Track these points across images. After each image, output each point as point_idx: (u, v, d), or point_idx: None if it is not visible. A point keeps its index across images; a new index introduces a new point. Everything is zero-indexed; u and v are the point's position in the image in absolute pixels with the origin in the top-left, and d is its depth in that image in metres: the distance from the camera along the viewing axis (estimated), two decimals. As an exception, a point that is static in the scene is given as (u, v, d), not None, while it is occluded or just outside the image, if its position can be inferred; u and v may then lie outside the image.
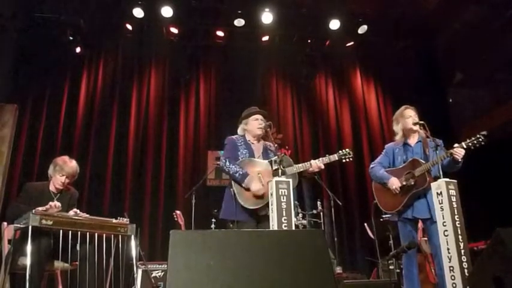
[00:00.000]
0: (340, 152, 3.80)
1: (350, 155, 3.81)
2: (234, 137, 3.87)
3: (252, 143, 3.81)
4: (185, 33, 7.62)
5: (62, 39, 7.09)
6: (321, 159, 3.67)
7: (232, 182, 3.61)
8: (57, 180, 3.70)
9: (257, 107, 4.01)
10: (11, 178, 6.15)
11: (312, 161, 3.65)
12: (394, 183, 3.63)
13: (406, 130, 3.78)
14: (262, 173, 3.57)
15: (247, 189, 3.52)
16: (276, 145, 3.85)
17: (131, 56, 7.68)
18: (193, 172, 7.16)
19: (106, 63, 7.58)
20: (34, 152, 6.65)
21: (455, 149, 3.38)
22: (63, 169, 3.70)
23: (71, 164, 3.76)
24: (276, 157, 3.42)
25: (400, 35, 7.91)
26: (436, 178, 3.35)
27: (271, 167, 3.55)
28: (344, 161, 3.82)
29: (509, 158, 5.93)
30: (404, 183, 3.60)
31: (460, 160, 3.41)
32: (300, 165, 3.64)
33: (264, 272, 1.73)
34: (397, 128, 3.86)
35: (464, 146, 3.39)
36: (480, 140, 3.35)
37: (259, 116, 3.84)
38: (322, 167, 3.67)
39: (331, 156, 3.73)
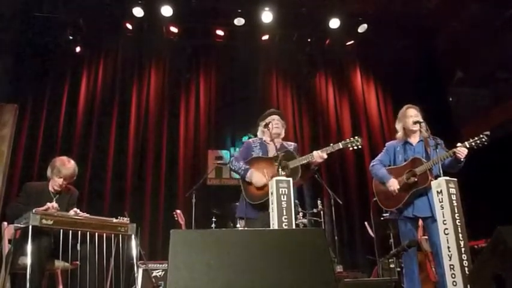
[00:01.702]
0: (347, 140, 3.67)
1: (358, 142, 3.64)
2: (251, 139, 3.97)
3: (268, 143, 3.85)
4: (185, 32, 7.63)
5: (61, 38, 7.09)
6: (324, 149, 3.59)
7: (240, 181, 3.71)
8: (55, 182, 3.69)
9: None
10: (11, 178, 6.16)
11: (314, 152, 3.57)
12: (393, 185, 3.65)
13: (406, 129, 3.82)
14: (267, 169, 3.61)
15: (250, 183, 3.60)
16: (295, 144, 3.90)
17: (131, 56, 7.68)
18: (194, 171, 7.16)
19: (106, 63, 7.58)
20: (34, 151, 6.65)
21: (458, 148, 3.40)
22: (61, 171, 3.67)
23: (69, 166, 3.73)
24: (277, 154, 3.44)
25: (400, 34, 7.90)
26: (436, 177, 3.35)
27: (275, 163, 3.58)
28: (351, 148, 3.66)
29: (510, 156, 5.92)
30: (405, 181, 3.61)
31: (462, 160, 3.42)
32: (302, 157, 3.60)
33: (264, 271, 1.73)
34: (398, 126, 3.90)
35: (467, 146, 3.40)
36: (483, 140, 3.37)
37: (275, 117, 3.90)
38: (325, 156, 3.57)
39: (335, 145, 3.62)
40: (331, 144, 3.63)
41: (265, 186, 3.51)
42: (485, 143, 3.37)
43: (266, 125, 3.73)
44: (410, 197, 3.59)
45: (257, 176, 3.59)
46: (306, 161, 3.58)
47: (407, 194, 3.59)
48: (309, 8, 7.31)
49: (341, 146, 3.62)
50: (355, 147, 3.65)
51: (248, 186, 3.64)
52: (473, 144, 3.40)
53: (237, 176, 3.94)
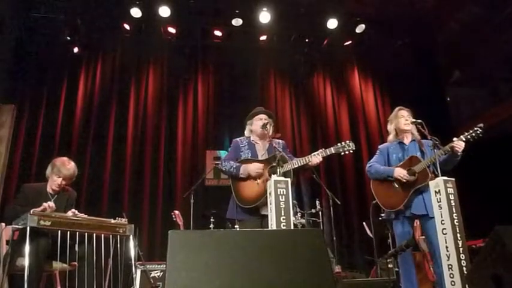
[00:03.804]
0: (338, 144, 3.64)
1: (350, 146, 3.61)
2: (238, 139, 3.90)
3: (257, 143, 3.81)
4: (183, 33, 7.62)
5: (59, 39, 7.08)
6: (317, 153, 3.57)
7: (231, 184, 3.65)
8: (54, 181, 3.69)
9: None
10: (8, 178, 6.15)
11: (313, 157, 3.54)
12: (400, 171, 3.62)
13: (398, 130, 3.85)
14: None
15: (242, 185, 3.55)
16: (282, 141, 3.86)
17: (129, 56, 7.66)
18: (192, 172, 7.15)
19: (104, 63, 7.57)
20: (32, 152, 6.63)
21: (455, 142, 3.43)
22: (61, 171, 3.67)
23: (69, 166, 3.73)
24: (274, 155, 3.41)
25: (398, 34, 7.92)
26: (435, 175, 3.36)
27: (269, 163, 3.57)
28: (343, 153, 3.64)
29: (508, 155, 5.94)
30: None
31: (459, 153, 3.45)
32: (294, 161, 3.54)
33: (263, 271, 1.72)
34: (390, 127, 3.94)
35: (464, 139, 3.45)
36: (478, 132, 3.43)
37: (263, 116, 3.83)
38: (321, 159, 3.57)
39: (327, 149, 3.60)
40: (323, 149, 3.61)
41: (257, 190, 3.51)
42: (480, 135, 3.43)
43: (264, 126, 3.69)
44: (412, 196, 3.58)
45: (252, 166, 3.55)
46: (298, 165, 3.53)
47: (408, 192, 3.58)
48: (307, 8, 7.32)
49: (333, 151, 3.59)
50: (347, 152, 3.63)
51: (239, 189, 3.59)
52: (468, 137, 3.45)
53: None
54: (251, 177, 3.58)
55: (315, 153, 3.59)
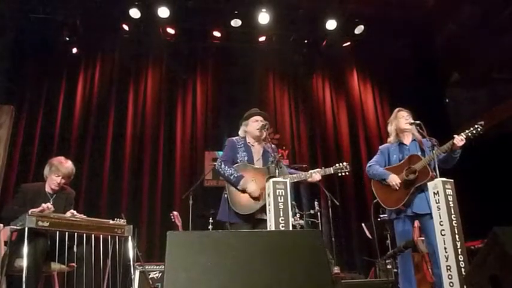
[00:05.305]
0: (336, 165, 3.82)
1: (347, 169, 3.81)
2: (234, 138, 3.85)
3: (252, 145, 3.79)
4: (182, 33, 7.62)
5: (58, 39, 7.08)
6: (317, 171, 3.73)
7: (226, 187, 3.61)
8: (53, 180, 3.69)
9: (254, 107, 4.02)
10: (7, 179, 6.13)
11: (314, 174, 3.68)
12: (394, 179, 3.66)
13: (399, 130, 3.88)
14: (257, 179, 3.56)
15: (243, 192, 3.51)
16: (273, 145, 3.85)
17: (128, 57, 7.65)
18: (191, 173, 7.15)
19: (103, 64, 7.56)
20: (31, 153, 6.63)
21: (455, 139, 3.46)
22: (59, 170, 3.68)
23: (67, 165, 3.75)
24: (272, 159, 3.41)
25: (397, 35, 7.92)
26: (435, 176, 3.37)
27: (267, 172, 3.56)
28: (340, 174, 3.83)
29: (507, 156, 5.94)
30: (405, 178, 3.62)
31: (459, 148, 3.48)
32: (300, 174, 3.69)
33: (261, 272, 1.72)
34: (390, 128, 3.97)
35: (464, 136, 3.47)
36: (479, 129, 3.47)
37: (259, 118, 3.82)
38: (320, 177, 3.72)
39: (326, 169, 3.77)
40: (323, 168, 3.79)
41: (253, 199, 3.49)
42: (481, 132, 3.46)
43: (263, 127, 3.69)
44: (412, 194, 3.60)
45: (252, 186, 3.48)
46: (302, 179, 3.68)
47: (409, 191, 3.60)
48: (306, 9, 7.32)
49: (332, 171, 3.79)
50: (343, 174, 3.84)
51: (236, 194, 3.53)
52: (469, 134, 3.48)
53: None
54: None
55: (315, 170, 3.73)
